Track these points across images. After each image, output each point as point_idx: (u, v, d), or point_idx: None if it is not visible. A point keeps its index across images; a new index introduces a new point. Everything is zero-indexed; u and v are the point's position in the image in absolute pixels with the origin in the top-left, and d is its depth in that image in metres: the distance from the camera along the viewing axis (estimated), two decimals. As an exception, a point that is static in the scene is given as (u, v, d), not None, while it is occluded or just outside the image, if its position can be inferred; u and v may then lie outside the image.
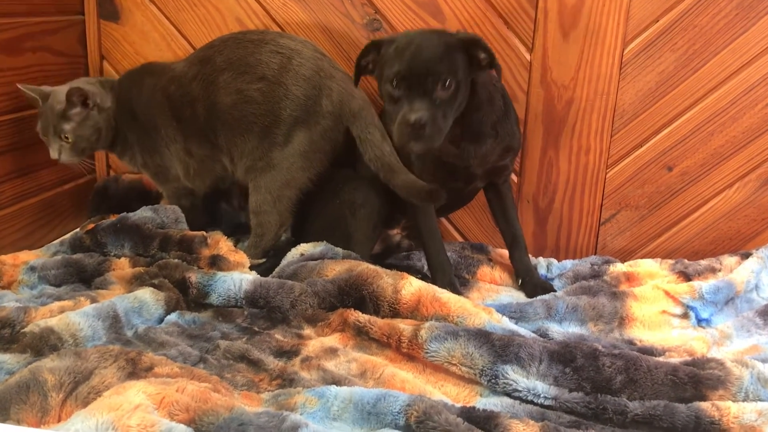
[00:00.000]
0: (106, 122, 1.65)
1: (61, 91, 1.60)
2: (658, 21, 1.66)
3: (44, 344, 1.16)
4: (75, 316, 1.22)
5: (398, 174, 1.49)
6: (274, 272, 1.50)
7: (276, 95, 1.53)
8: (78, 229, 1.66)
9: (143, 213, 1.58)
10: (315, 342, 1.26)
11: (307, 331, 1.31)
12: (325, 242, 1.54)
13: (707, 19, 1.64)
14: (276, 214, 1.58)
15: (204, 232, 1.56)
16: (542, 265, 1.70)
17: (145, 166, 1.71)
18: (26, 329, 1.18)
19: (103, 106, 1.64)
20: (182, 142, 1.63)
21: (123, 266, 1.48)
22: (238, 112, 1.55)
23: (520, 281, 1.60)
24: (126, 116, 1.67)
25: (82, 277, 1.47)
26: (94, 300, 1.32)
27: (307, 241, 1.56)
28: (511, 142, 1.53)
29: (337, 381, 1.13)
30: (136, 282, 1.42)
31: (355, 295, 1.35)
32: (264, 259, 1.59)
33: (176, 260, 1.47)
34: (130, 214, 1.57)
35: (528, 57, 1.72)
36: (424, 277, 1.55)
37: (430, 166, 1.51)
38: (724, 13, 1.63)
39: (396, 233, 1.74)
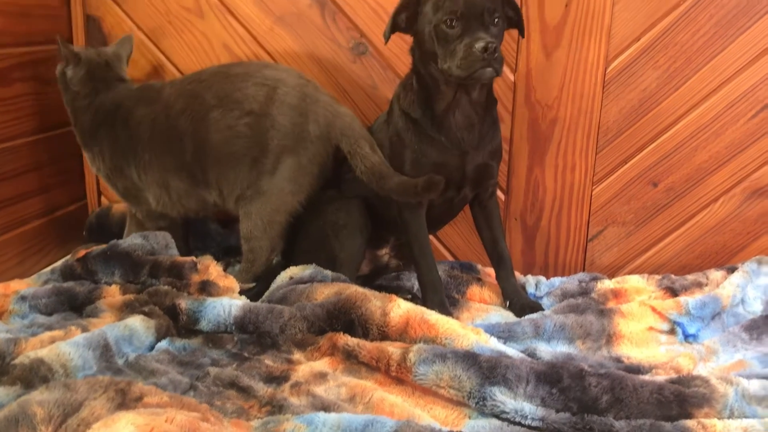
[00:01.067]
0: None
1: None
2: (639, 39, 1.68)
3: (34, 376, 1.15)
4: (65, 346, 1.22)
5: (391, 178, 1.51)
6: (263, 296, 1.51)
7: (263, 126, 1.54)
8: (69, 256, 1.66)
9: (133, 240, 1.59)
10: (305, 367, 1.27)
11: (297, 355, 1.32)
12: (314, 265, 1.55)
13: (687, 36, 1.66)
14: (267, 240, 1.59)
15: (194, 258, 1.57)
16: (531, 283, 1.71)
17: (111, 181, 1.72)
18: (16, 361, 1.18)
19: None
20: (158, 172, 1.64)
21: (113, 294, 1.49)
22: (228, 148, 1.56)
23: (507, 303, 1.60)
24: (107, 124, 1.68)
25: (73, 306, 1.48)
26: (85, 329, 1.32)
27: (295, 263, 1.57)
28: (496, 144, 1.57)
29: (326, 406, 1.14)
30: (126, 309, 1.42)
31: (344, 318, 1.36)
32: (254, 284, 1.60)
33: (166, 287, 1.47)
34: (120, 242, 1.58)
35: (512, 78, 1.74)
36: (414, 298, 1.56)
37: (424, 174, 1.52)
38: (703, 31, 1.65)
39: (384, 253, 1.75)
